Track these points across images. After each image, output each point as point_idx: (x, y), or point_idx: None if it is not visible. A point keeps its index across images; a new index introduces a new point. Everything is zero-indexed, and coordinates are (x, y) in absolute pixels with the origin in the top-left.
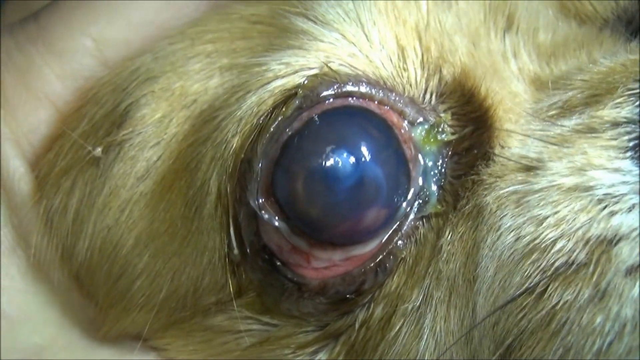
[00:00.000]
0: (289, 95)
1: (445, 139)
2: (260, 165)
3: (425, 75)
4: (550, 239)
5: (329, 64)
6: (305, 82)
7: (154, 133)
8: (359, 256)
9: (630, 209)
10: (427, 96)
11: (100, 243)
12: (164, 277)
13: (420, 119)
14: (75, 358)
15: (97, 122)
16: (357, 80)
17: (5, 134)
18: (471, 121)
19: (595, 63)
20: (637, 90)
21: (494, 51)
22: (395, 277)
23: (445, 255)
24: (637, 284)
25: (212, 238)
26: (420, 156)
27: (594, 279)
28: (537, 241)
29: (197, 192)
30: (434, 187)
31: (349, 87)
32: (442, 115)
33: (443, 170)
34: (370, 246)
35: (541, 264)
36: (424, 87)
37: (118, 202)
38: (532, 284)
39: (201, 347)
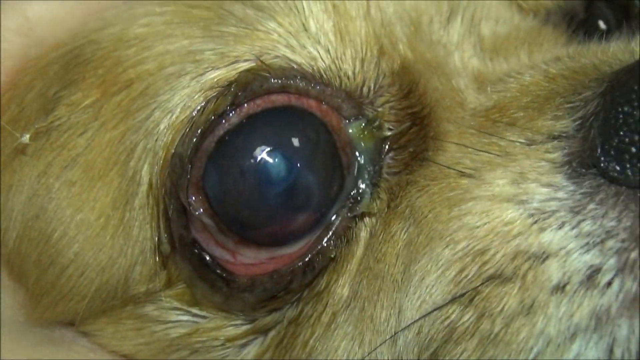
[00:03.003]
0: (222, 90)
1: (382, 135)
2: (191, 160)
3: (364, 67)
4: (479, 249)
5: (262, 57)
6: (239, 77)
7: (84, 119)
8: (285, 256)
9: (560, 226)
10: (365, 89)
11: (29, 231)
12: (94, 268)
13: (357, 115)
14: (4, 342)
15: (26, 106)
16: (292, 74)
17: None
18: (409, 117)
19: (534, 67)
20: (577, 104)
21: (437, 42)
22: (325, 275)
23: (376, 253)
24: (564, 302)
25: (143, 229)
26: (355, 154)
27: (520, 294)
28: (465, 250)
29: (129, 182)
30: (367, 186)
31: (284, 82)
32: (379, 109)
33: (378, 167)
34: (297, 247)
35: (469, 273)
36: (361, 80)
37: (45, 190)
38: (458, 294)
39: (131, 335)
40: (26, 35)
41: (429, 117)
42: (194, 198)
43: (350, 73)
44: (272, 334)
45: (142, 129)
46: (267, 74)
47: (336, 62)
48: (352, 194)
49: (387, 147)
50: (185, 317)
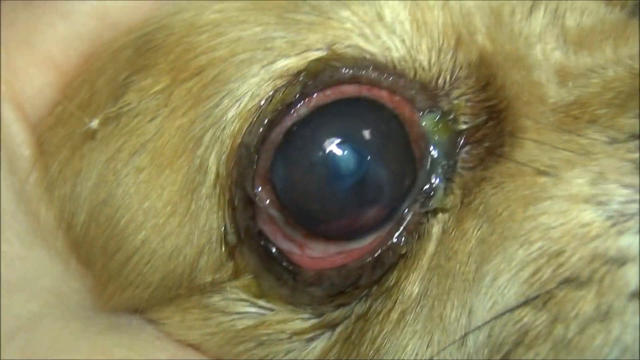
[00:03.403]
0: (291, 79)
1: (457, 129)
2: (257, 151)
3: (440, 58)
4: (554, 250)
5: (334, 47)
6: (309, 66)
7: (154, 106)
8: (354, 250)
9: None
10: (441, 81)
11: (96, 217)
12: (160, 256)
13: (432, 107)
14: (71, 327)
15: (96, 90)
16: (364, 65)
17: (7, 97)
18: (486, 110)
19: (619, 62)
20: None
21: (518, 34)
22: (395, 271)
23: (448, 251)
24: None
25: (210, 219)
26: (429, 147)
27: (596, 299)
28: (540, 251)
29: (197, 171)
30: (441, 181)
31: (355, 72)
32: (455, 102)
33: (453, 162)
34: (367, 241)
35: (543, 275)
36: (437, 71)
37: (114, 176)
38: (531, 296)
39: (197, 325)
40: (100, 18)
41: (506, 111)
42: (260, 189)
43: (425, 64)
44: (339, 329)
45: (211, 116)
46: (338, 64)
47: (411, 52)
48: (424, 188)
49: (462, 141)
50: (251, 309)
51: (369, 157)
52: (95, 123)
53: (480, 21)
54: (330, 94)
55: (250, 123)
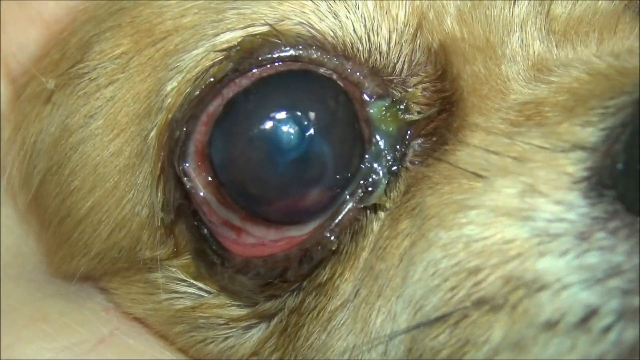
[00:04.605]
0: (226, 54)
1: (407, 119)
2: (184, 128)
3: (400, 42)
4: (473, 266)
5: (283, 22)
6: (242, 42)
7: (112, 70)
8: (294, 238)
9: (562, 254)
10: (399, 66)
11: (50, 179)
12: (106, 226)
13: (381, 94)
14: (19, 290)
15: (66, 51)
16: (307, 44)
17: None
18: (440, 101)
19: (586, 60)
20: (609, 110)
21: (497, 19)
22: (327, 267)
23: (380, 252)
24: (553, 342)
25: (152, 194)
26: (376, 136)
27: (508, 325)
28: (461, 265)
29: (142, 143)
30: (384, 175)
31: (296, 52)
32: (410, 90)
33: (400, 154)
34: (307, 229)
35: (460, 291)
36: (396, 56)
37: (68, 139)
38: (447, 312)
39: (141, 299)
40: None
41: (457, 104)
42: (193, 167)
43: (384, 47)
44: (275, 321)
45: (158, 88)
46: (277, 41)
47: (370, 34)
48: (366, 181)
49: (411, 132)
50: (190, 290)
51: (312, 132)
52: (51, 84)
53: (454, 4)
54: (278, 67)
55: (184, 97)
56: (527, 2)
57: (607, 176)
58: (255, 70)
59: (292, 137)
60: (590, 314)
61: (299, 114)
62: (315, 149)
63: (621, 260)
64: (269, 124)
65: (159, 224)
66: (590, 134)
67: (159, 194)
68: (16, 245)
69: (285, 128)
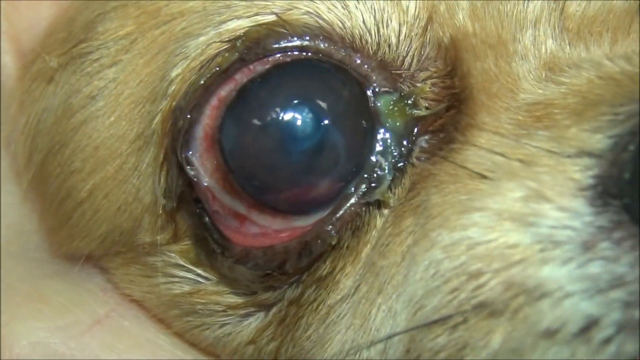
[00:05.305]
0: (232, 44)
1: (415, 114)
2: (189, 116)
3: (410, 35)
4: (475, 270)
5: (291, 12)
6: (248, 32)
7: (115, 51)
8: (297, 229)
9: (565, 262)
10: (408, 60)
11: (52, 159)
12: (106, 209)
13: (390, 88)
14: (19, 268)
15: (72, 30)
16: (314, 34)
17: (5, 28)
18: (449, 98)
19: (613, 59)
20: (619, 117)
21: (510, 15)
22: (328, 262)
23: (382, 249)
24: (552, 351)
25: (155, 180)
26: (382, 131)
27: (507, 332)
28: (463, 268)
29: (146, 127)
30: (389, 170)
31: (302, 42)
32: (418, 85)
33: (406, 150)
34: (312, 220)
35: (460, 295)
36: (405, 49)
37: (70, 120)
38: (447, 314)
39: (139, 281)
40: None
41: (466, 102)
42: (191, 153)
43: (393, 40)
44: (274, 310)
45: (162, 73)
46: (284, 31)
47: (380, 26)
48: (370, 176)
49: (418, 128)
50: (188, 275)
51: (327, 121)
52: (54, 62)
53: None
54: (291, 56)
55: (189, 85)
56: None
57: (613, 185)
58: (269, 58)
59: (308, 125)
60: (590, 325)
61: (315, 102)
62: (329, 138)
63: (624, 271)
64: (284, 112)
65: (161, 211)
66: (598, 141)
67: (161, 181)
68: (19, 223)
69: (301, 116)
